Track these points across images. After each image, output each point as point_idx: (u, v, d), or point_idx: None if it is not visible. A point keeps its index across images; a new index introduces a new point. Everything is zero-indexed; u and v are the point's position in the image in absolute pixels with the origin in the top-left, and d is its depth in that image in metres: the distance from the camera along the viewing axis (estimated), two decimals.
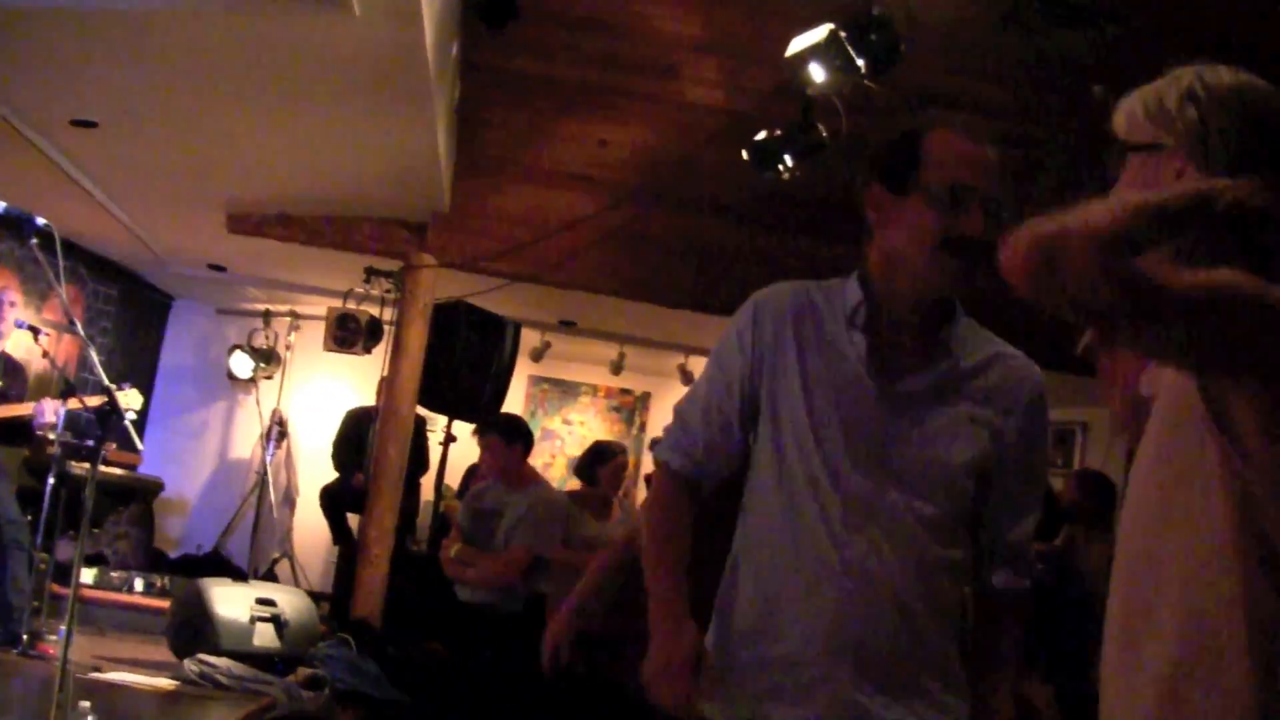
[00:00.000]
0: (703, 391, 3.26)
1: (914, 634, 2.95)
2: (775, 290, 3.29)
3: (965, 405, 3.06)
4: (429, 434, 12.54)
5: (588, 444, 16.29)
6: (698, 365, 14.47)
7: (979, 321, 3.15)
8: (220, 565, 12.43)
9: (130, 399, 7.93)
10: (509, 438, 8.30)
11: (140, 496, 12.76)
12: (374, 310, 11.03)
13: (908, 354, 3.07)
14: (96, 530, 11.51)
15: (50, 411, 8.06)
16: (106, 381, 5.62)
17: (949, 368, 3.06)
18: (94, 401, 7.54)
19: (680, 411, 3.29)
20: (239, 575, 11.15)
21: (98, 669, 5.44)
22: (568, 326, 13.76)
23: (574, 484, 15.19)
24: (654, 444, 3.38)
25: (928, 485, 2.99)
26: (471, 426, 10.55)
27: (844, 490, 2.97)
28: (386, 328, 10.74)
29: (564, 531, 8.23)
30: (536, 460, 13.90)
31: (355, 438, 12.73)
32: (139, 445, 11.46)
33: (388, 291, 10.69)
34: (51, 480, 8.02)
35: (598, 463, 9.17)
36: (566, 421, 16.38)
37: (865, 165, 3.16)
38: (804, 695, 2.94)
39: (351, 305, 11.05)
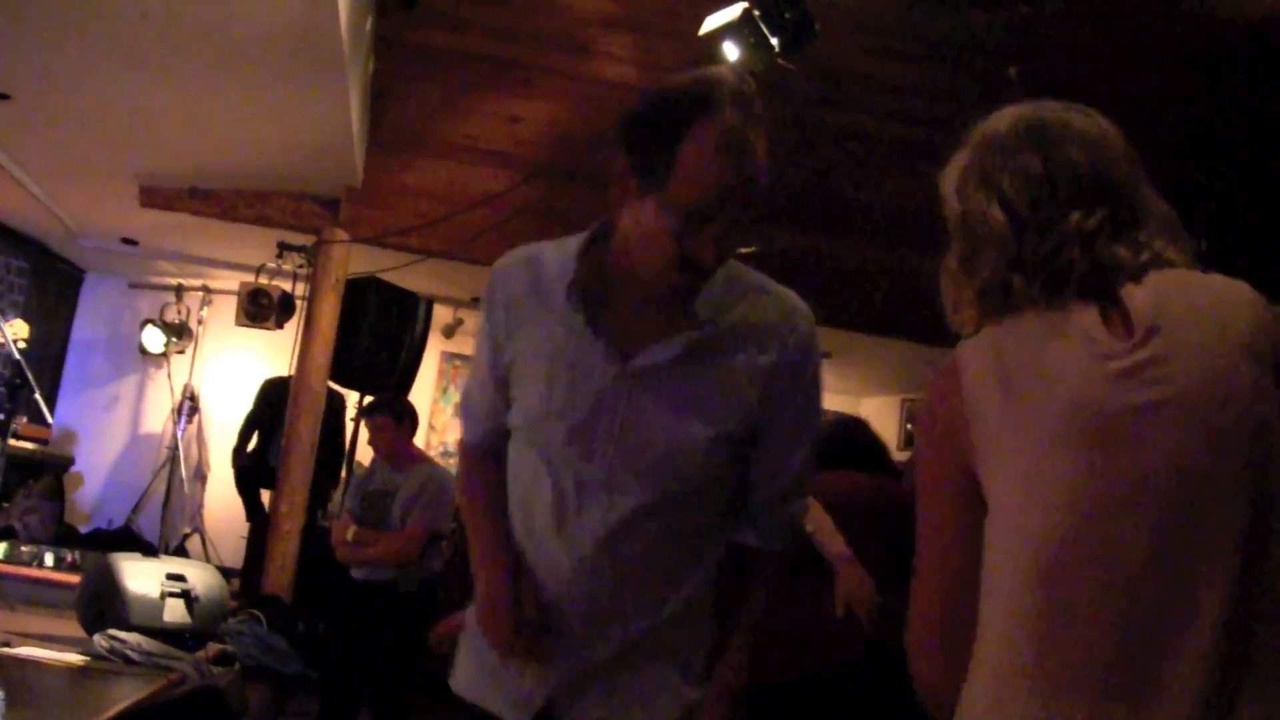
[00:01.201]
0: (473, 376, 3.19)
1: (650, 609, 2.85)
2: (508, 263, 3.08)
3: (722, 371, 2.82)
4: (346, 411, 12.52)
5: None
6: None
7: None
8: (131, 540, 12.36)
9: (18, 329, 7.84)
10: (400, 418, 8.33)
11: (50, 470, 12.67)
12: (286, 285, 10.99)
13: (648, 326, 2.82)
14: (6, 504, 11.42)
15: None
16: None
17: (697, 338, 2.78)
18: None
19: (464, 394, 3.26)
20: (149, 550, 11.11)
21: (6, 644, 5.40)
22: (480, 303, 13.73)
23: None
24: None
25: (671, 462, 2.79)
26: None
27: (573, 474, 2.82)
28: (299, 303, 10.71)
29: (453, 506, 8.25)
30: (448, 437, 13.88)
31: (269, 407, 12.67)
32: (49, 419, 11.40)
33: (300, 267, 10.65)
34: None
35: None
36: None
37: (620, 127, 2.81)
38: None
39: (264, 280, 11.00)
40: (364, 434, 10.49)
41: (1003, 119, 2.48)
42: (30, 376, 7.07)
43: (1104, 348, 2.21)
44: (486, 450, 3.15)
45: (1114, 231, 2.33)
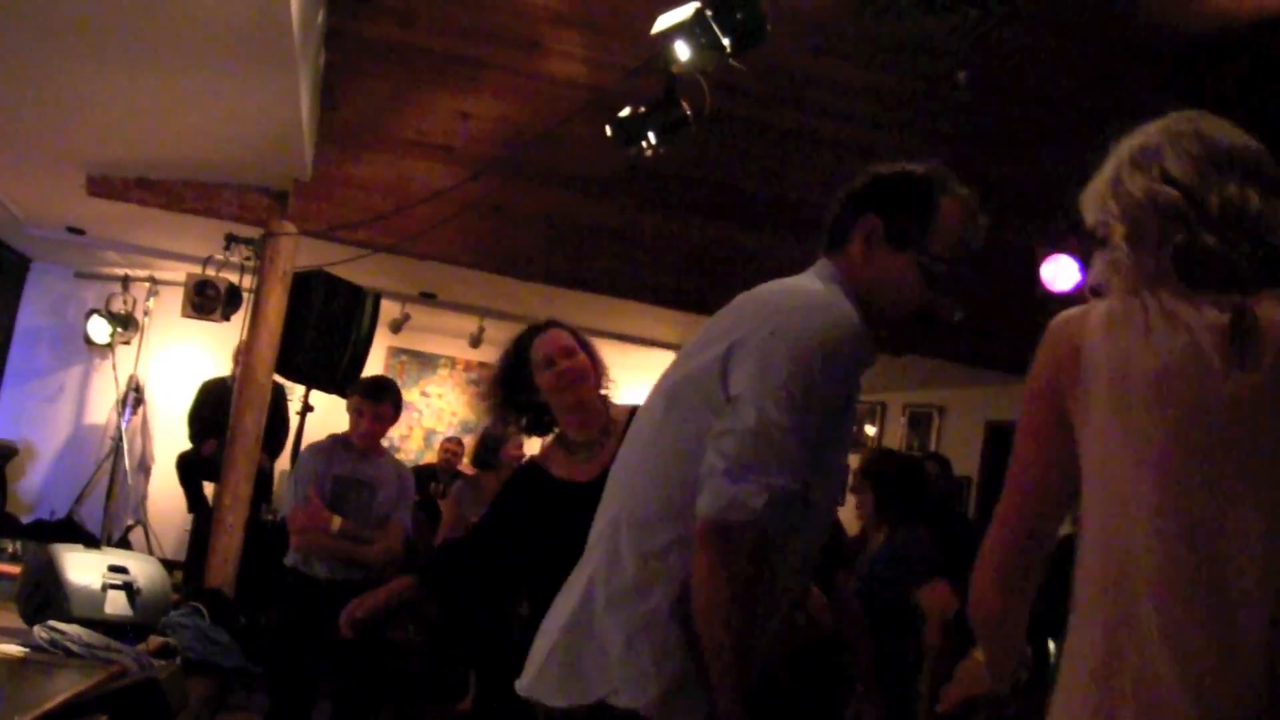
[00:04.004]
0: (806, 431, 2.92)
1: None
2: (855, 322, 3.05)
3: None
4: (288, 403, 12.47)
5: (445, 416, 16.34)
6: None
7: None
8: (73, 531, 12.30)
9: None
10: (397, 405, 8.11)
11: None
12: (233, 277, 10.95)
13: None
14: None
15: None
16: None
17: None
18: None
19: (781, 455, 2.87)
20: (92, 542, 11.03)
21: None
22: (427, 298, 13.73)
23: (430, 457, 15.26)
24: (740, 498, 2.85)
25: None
26: (330, 396, 10.52)
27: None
28: (246, 295, 10.67)
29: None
30: (394, 432, 13.91)
31: (210, 407, 12.65)
32: None
33: (247, 259, 10.60)
34: None
35: (498, 447, 9.23)
36: (425, 394, 16.40)
37: (867, 185, 3.23)
38: None
39: (211, 272, 10.95)
40: (309, 426, 10.47)
41: (1140, 132, 2.58)
42: None
43: (1226, 362, 2.31)
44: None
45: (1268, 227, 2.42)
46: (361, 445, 7.88)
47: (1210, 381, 2.29)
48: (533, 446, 7.32)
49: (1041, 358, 2.52)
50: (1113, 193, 2.54)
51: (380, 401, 7.95)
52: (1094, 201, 2.60)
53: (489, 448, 9.37)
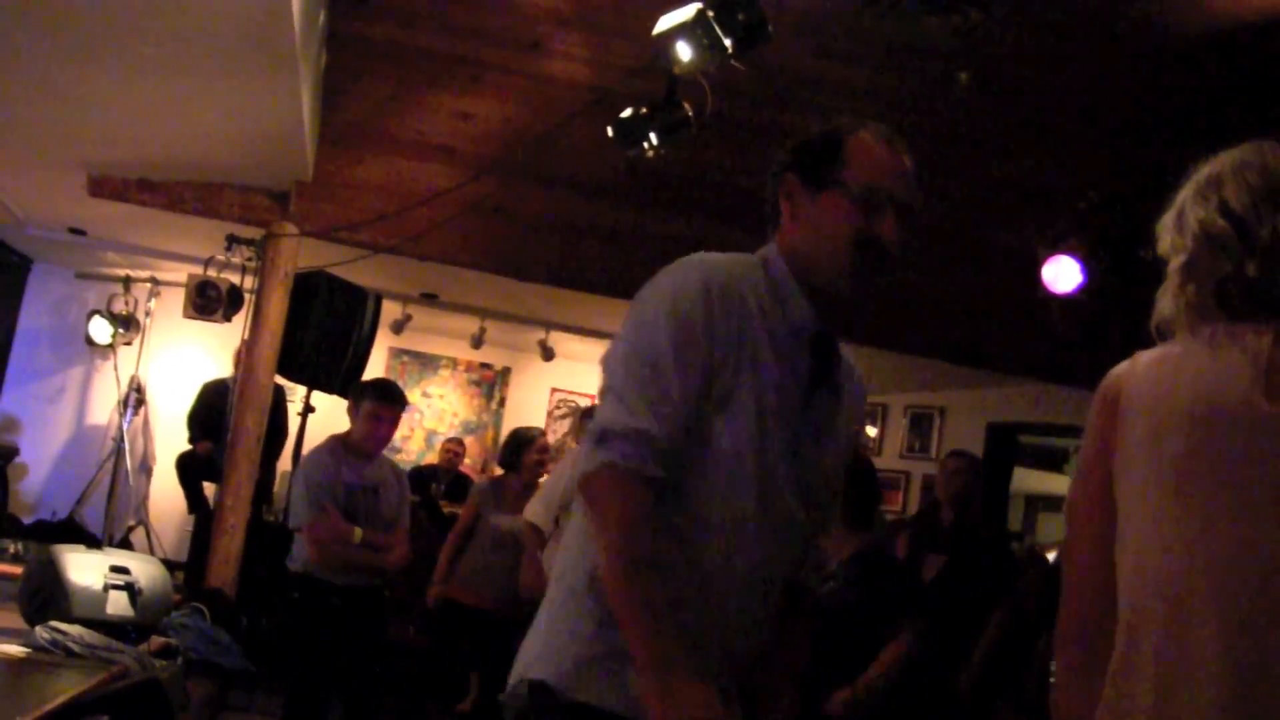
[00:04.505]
0: (662, 382, 2.89)
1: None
2: (724, 275, 3.03)
3: (842, 406, 3.16)
4: (288, 404, 12.47)
5: (446, 417, 16.35)
6: (558, 340, 14.53)
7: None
8: (75, 532, 12.31)
9: None
10: (404, 409, 8.14)
11: None
12: (235, 278, 10.95)
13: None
14: None
15: None
16: None
17: (843, 368, 3.17)
18: None
19: (629, 404, 2.88)
20: (93, 542, 11.04)
21: None
22: (429, 299, 13.74)
23: (431, 458, 15.27)
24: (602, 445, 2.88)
25: (821, 485, 3.10)
26: (331, 397, 10.53)
27: (789, 492, 3.01)
28: (247, 296, 10.67)
29: None
30: (396, 433, 13.91)
31: (209, 409, 12.66)
32: None
33: (249, 260, 10.61)
34: None
35: (522, 449, 9.22)
36: (426, 395, 16.41)
37: (783, 156, 3.19)
38: None
39: (212, 273, 10.96)
40: (311, 427, 10.47)
41: (1214, 160, 2.59)
42: None
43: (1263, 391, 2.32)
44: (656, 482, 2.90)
45: None
46: (370, 449, 7.86)
47: (1246, 409, 2.28)
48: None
49: (1090, 421, 2.52)
50: (1177, 224, 2.55)
51: (400, 406, 7.99)
52: (1164, 231, 2.61)
53: (514, 450, 9.35)
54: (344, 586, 7.61)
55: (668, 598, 2.77)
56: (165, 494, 14.08)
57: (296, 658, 7.71)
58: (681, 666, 2.69)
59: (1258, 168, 2.47)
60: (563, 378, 16.47)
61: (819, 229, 3.04)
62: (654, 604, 2.75)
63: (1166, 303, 2.54)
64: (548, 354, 15.04)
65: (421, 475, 13.78)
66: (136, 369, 14.43)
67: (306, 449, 10.68)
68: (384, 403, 7.86)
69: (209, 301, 10.87)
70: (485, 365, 16.43)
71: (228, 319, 11.02)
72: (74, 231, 12.66)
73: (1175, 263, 2.51)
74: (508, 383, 16.65)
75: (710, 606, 2.91)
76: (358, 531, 7.54)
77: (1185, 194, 2.56)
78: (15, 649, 5.44)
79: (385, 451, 8.26)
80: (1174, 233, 2.54)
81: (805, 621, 3.21)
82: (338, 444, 7.94)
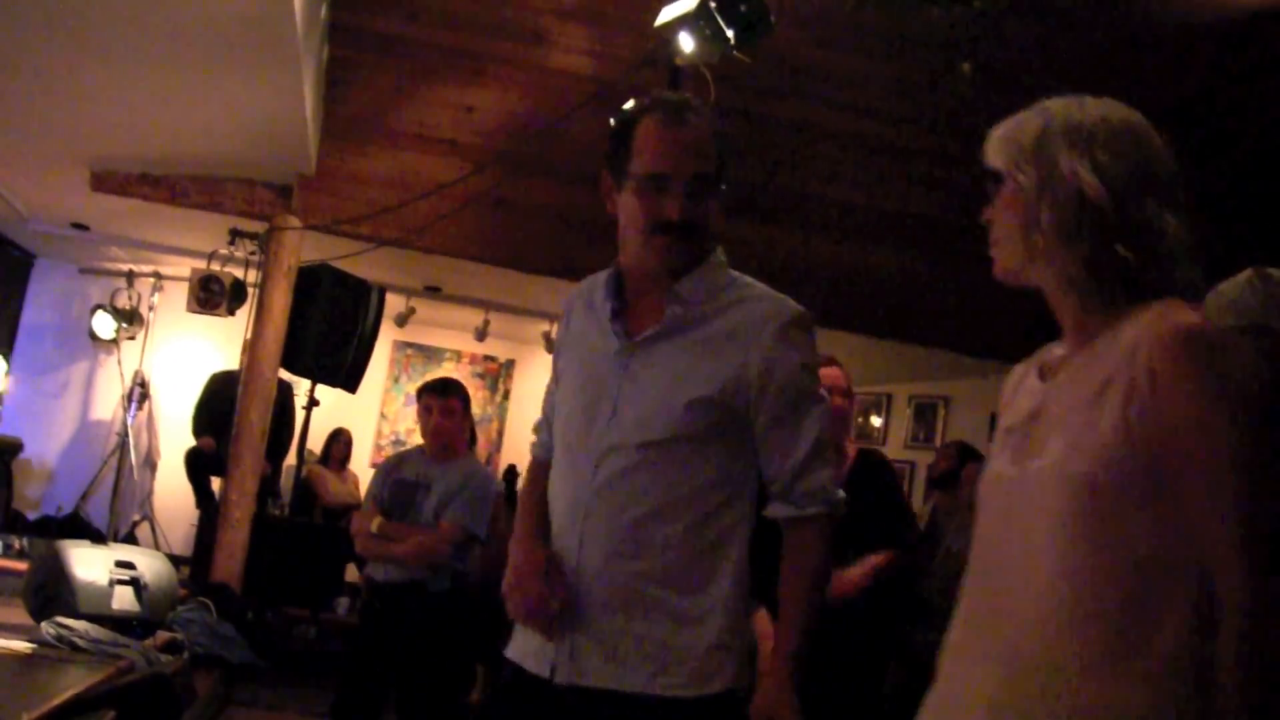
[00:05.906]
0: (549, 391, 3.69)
1: (645, 551, 3.19)
2: (579, 287, 3.63)
3: (699, 346, 3.28)
4: (294, 399, 12.46)
5: None
6: None
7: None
8: (80, 527, 12.33)
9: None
10: (467, 404, 8.04)
11: None
12: (238, 272, 10.96)
13: (648, 312, 3.36)
14: None
15: None
16: None
17: (679, 314, 3.30)
18: None
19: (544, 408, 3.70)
20: (98, 537, 11.07)
21: None
22: (433, 292, 13.72)
23: None
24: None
25: (652, 418, 3.23)
26: (336, 391, 10.54)
27: (583, 447, 3.31)
28: (251, 290, 10.67)
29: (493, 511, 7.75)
30: (399, 426, 13.84)
31: (216, 401, 12.64)
32: None
33: (252, 253, 10.61)
34: None
35: None
36: None
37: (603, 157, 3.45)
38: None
39: (215, 267, 10.96)
40: (315, 421, 10.46)
41: (1075, 103, 2.56)
42: None
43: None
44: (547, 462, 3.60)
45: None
46: (432, 444, 7.75)
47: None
48: None
49: None
50: (1035, 154, 2.48)
51: (447, 396, 7.87)
52: (1008, 149, 2.54)
53: None
54: (383, 583, 7.40)
55: None
56: (170, 489, 14.06)
57: (352, 655, 7.62)
58: None
59: (1130, 135, 2.44)
60: None
61: (628, 221, 3.37)
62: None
63: (1013, 252, 2.54)
64: (552, 345, 15.00)
65: None
66: (140, 364, 14.41)
67: (310, 444, 10.69)
68: (431, 393, 7.84)
69: (212, 296, 10.87)
70: (489, 358, 16.41)
71: (231, 313, 11.01)
72: (77, 226, 12.65)
73: (1042, 215, 2.45)
74: (512, 375, 16.63)
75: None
76: (376, 520, 7.35)
77: (1043, 125, 2.51)
78: (21, 645, 5.45)
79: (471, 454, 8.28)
80: (1029, 162, 2.48)
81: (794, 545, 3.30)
82: (417, 447, 7.95)
